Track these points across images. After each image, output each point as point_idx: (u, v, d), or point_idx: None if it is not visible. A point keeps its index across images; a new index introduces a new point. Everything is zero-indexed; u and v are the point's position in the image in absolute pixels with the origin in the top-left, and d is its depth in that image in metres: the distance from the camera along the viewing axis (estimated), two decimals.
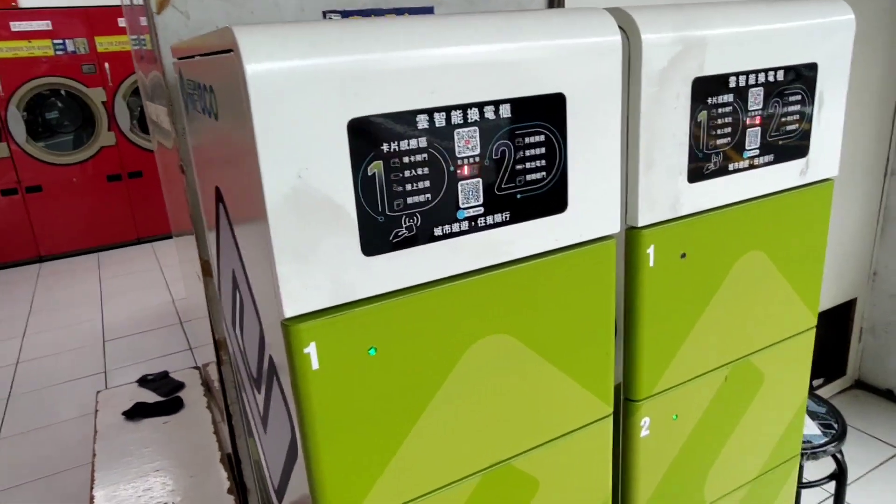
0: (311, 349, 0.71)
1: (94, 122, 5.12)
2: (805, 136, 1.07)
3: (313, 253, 0.69)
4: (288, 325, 0.71)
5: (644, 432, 1.05)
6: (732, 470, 1.21)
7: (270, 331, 0.80)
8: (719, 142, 0.97)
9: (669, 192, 0.94)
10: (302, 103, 0.65)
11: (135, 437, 1.95)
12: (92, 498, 1.70)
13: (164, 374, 2.29)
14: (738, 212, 1.03)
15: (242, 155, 0.70)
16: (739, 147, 0.99)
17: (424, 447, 0.82)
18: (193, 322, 3.04)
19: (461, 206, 0.77)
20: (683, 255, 0.99)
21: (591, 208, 0.87)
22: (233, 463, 1.68)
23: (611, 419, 1.00)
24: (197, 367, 2.42)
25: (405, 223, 0.74)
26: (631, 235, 0.95)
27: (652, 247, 0.95)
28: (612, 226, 0.90)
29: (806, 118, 1.06)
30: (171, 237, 4.48)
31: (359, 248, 0.72)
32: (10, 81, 4.75)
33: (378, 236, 0.72)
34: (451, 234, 0.77)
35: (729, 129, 0.97)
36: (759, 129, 1.00)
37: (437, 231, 0.76)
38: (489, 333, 0.83)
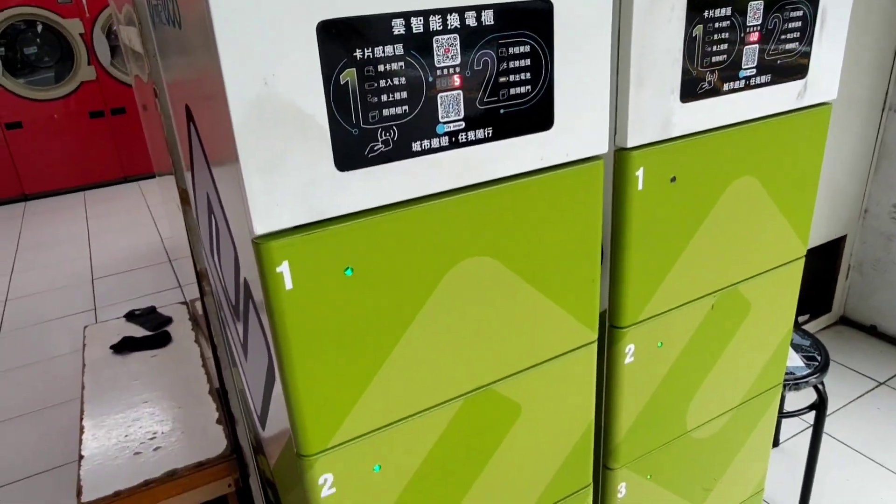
0: (284, 268, 0.69)
1: (73, 55, 4.95)
2: (804, 55, 1.02)
3: (283, 166, 0.66)
4: (259, 243, 0.68)
5: (628, 359, 1.04)
6: (715, 398, 1.22)
7: (244, 252, 0.78)
8: (714, 59, 0.92)
9: (661, 111, 0.90)
10: (266, 1, 0.60)
11: (123, 371, 1.95)
12: (82, 428, 1.71)
13: (152, 309, 2.28)
14: (731, 135, 1.00)
15: (206, 64, 0.65)
16: (736, 65, 0.95)
17: (403, 371, 0.81)
18: (181, 260, 3.01)
19: (441, 119, 0.73)
20: (673, 179, 0.96)
21: (579, 126, 0.83)
22: (221, 395, 1.69)
23: (595, 346, 0.99)
24: (185, 303, 2.41)
25: (381, 137, 0.70)
26: (619, 157, 0.91)
27: (641, 169, 0.92)
28: (600, 146, 0.87)
29: (806, 36, 1.01)
30: (155, 176, 4.41)
31: (332, 163, 0.68)
32: None
33: (352, 150, 0.69)
34: (431, 150, 0.73)
35: (725, 46, 0.92)
36: (756, 46, 0.95)
37: (416, 146, 0.72)
38: (471, 255, 0.81)
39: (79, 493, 1.48)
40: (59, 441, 2.32)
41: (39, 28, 4.83)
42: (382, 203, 0.73)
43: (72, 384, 2.60)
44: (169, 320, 2.22)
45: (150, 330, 2.15)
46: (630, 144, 0.90)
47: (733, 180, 1.03)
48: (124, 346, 2.05)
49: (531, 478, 1.01)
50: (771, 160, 1.07)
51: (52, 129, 5.00)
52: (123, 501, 1.47)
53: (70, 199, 5.08)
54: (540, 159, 0.82)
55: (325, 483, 0.80)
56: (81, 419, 1.74)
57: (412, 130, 0.71)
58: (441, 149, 0.74)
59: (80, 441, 1.65)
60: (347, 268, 0.73)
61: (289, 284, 0.70)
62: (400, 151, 0.71)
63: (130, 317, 2.24)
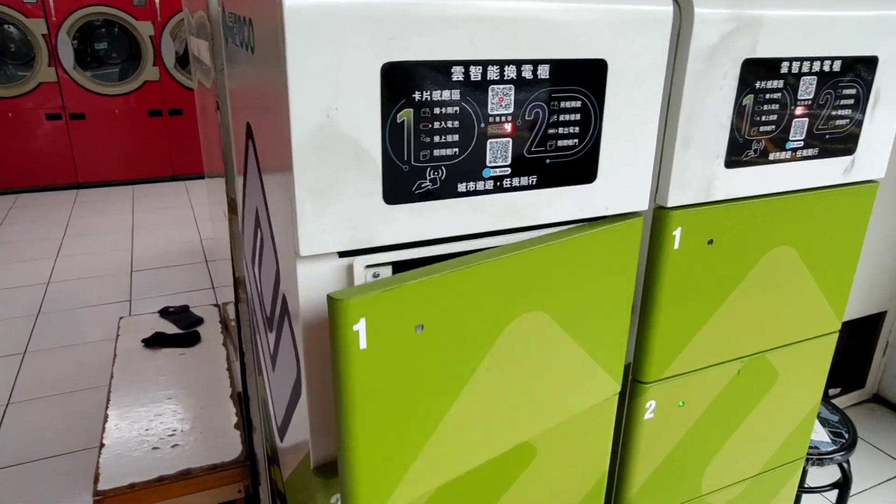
0: (361, 326, 0.66)
1: (140, 55, 5.17)
2: (854, 132, 1.03)
3: (334, 193, 0.69)
4: (337, 300, 0.64)
5: (648, 415, 1.04)
6: (733, 464, 1.20)
7: (285, 268, 0.81)
8: (763, 129, 0.93)
9: (704, 174, 0.92)
10: (337, 41, 0.64)
11: (152, 365, 2.00)
12: (106, 417, 1.76)
13: (185, 308, 2.34)
14: (773, 203, 1.00)
15: (274, 89, 0.70)
16: (783, 137, 0.96)
17: (456, 430, 0.79)
18: (218, 262, 3.09)
19: (488, 164, 0.76)
20: (711, 242, 0.97)
21: (621, 182, 0.85)
22: (241, 401, 1.72)
23: (616, 398, 1.00)
24: (217, 305, 2.47)
25: (430, 175, 0.73)
26: (659, 215, 0.93)
27: (679, 229, 0.93)
28: (641, 202, 0.88)
29: (858, 114, 1.02)
30: (203, 177, 4.55)
31: (381, 195, 0.71)
32: (62, 8, 4.80)
33: (401, 185, 0.72)
34: (475, 192, 0.76)
35: (774, 117, 0.94)
36: (806, 120, 0.96)
37: (462, 187, 0.75)
38: (526, 311, 0.80)
39: (96, 480, 1.52)
40: (81, 426, 2.38)
41: (116, 29, 5.06)
42: (424, 238, 0.75)
43: (100, 371, 2.67)
44: (200, 321, 2.27)
45: (182, 328, 2.21)
46: (670, 204, 0.91)
47: (771, 248, 1.04)
48: (155, 341, 2.11)
49: None
50: (811, 232, 1.07)
51: (112, 122, 5.20)
52: (137, 494, 1.51)
53: (119, 192, 5.26)
54: (580, 210, 0.84)
55: None
56: (107, 408, 1.79)
57: (460, 172, 0.74)
58: (485, 192, 0.77)
59: (103, 429, 1.70)
60: (419, 325, 0.71)
61: (363, 344, 0.67)
62: (446, 190, 0.74)
63: (164, 313, 2.31)
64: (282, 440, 1.10)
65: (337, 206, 0.70)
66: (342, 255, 0.74)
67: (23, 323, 3.17)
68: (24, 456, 2.25)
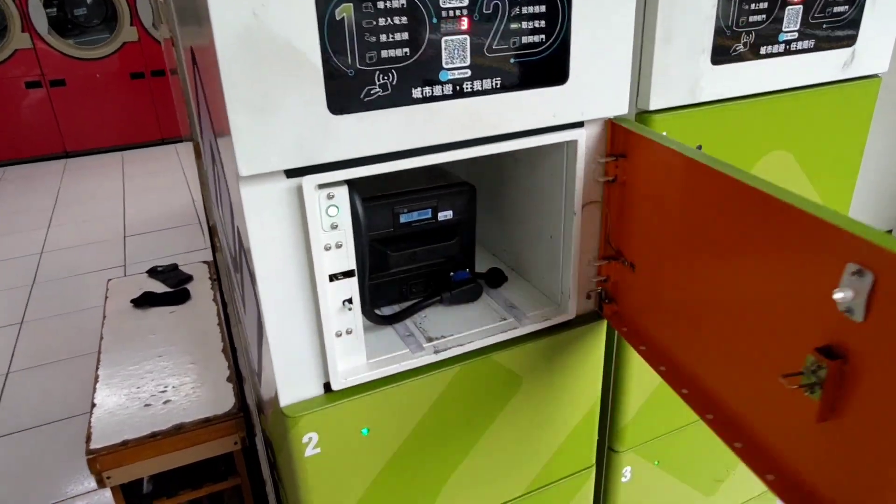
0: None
1: (116, 16, 5.00)
2: (854, 21, 0.94)
3: (272, 104, 0.62)
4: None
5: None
6: None
7: (235, 197, 0.75)
8: (752, 18, 0.85)
9: (689, 73, 0.84)
10: None
11: (141, 324, 1.97)
12: (97, 378, 1.73)
13: (174, 266, 2.30)
14: (766, 104, 0.92)
15: None
16: (775, 28, 0.87)
17: None
18: None
19: (445, 65, 0.68)
20: (699, 148, 0.89)
21: (596, 83, 0.78)
22: (232, 353, 1.69)
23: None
24: (207, 262, 2.42)
25: (379, 80, 0.66)
26: (641, 120, 0.85)
27: (664, 134, 0.85)
28: (620, 106, 0.81)
29: (858, 1, 0.93)
30: None
31: (325, 104, 0.64)
32: None
33: (347, 92, 0.65)
34: (432, 98, 0.69)
35: (765, 5, 0.85)
36: (800, 7, 0.88)
37: (416, 93, 0.68)
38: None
39: (88, 438, 1.50)
40: (81, 390, 2.37)
41: None
42: (377, 152, 0.69)
43: (97, 337, 2.64)
44: (190, 278, 2.23)
45: (171, 287, 2.16)
46: (653, 107, 0.84)
47: (765, 154, 0.96)
48: (144, 301, 2.07)
49: (528, 454, 0.97)
50: (809, 135, 0.99)
51: (95, 88, 5.07)
52: (130, 450, 1.49)
53: (109, 158, 5.17)
54: (552, 116, 0.77)
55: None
56: (97, 369, 1.76)
57: (413, 75, 0.67)
58: (444, 97, 0.69)
59: (94, 390, 1.67)
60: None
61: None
62: (399, 97, 0.67)
63: (153, 273, 2.26)
64: (261, 385, 1.06)
65: (277, 119, 0.63)
66: (290, 174, 0.67)
67: (18, 294, 3.14)
68: (26, 423, 2.24)
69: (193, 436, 1.54)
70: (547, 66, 0.73)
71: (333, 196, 0.71)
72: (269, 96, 0.62)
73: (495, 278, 0.97)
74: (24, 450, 2.13)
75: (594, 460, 1.06)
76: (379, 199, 0.85)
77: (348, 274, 0.76)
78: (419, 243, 0.91)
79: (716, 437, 1.11)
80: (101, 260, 3.45)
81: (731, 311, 0.67)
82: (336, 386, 0.78)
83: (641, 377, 1.03)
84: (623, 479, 1.11)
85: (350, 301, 0.77)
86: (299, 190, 0.68)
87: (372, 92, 0.66)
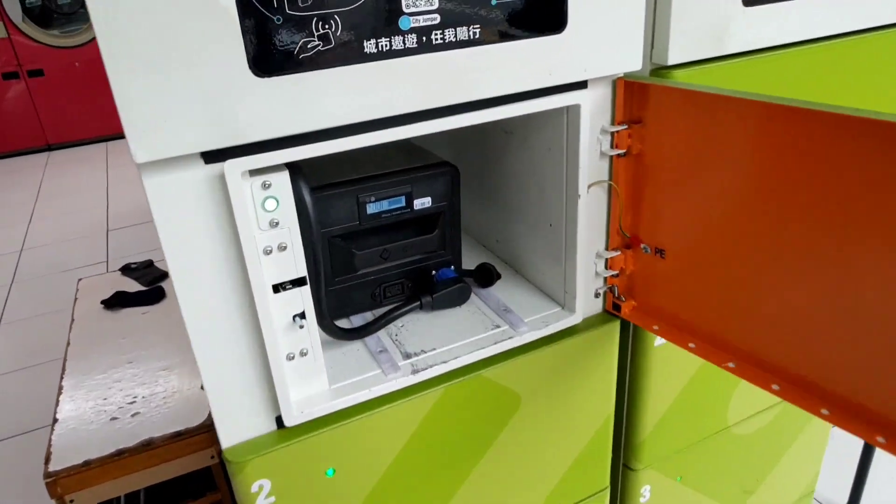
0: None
1: None
2: None
3: (173, 63, 0.46)
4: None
5: (659, 341, 0.84)
6: None
7: None
8: None
9: (715, 17, 0.68)
10: None
11: (111, 327, 1.82)
12: (60, 389, 1.60)
13: (149, 263, 2.15)
14: (812, 53, 0.76)
15: None
16: None
17: None
18: None
19: (406, 9, 0.52)
20: None
21: (602, 31, 0.61)
22: None
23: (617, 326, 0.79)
24: None
25: (318, 29, 0.50)
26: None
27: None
28: (631, 60, 0.65)
29: None
30: None
31: (245, 63, 0.48)
32: None
33: (275, 47, 0.49)
34: (391, 53, 0.53)
35: None
36: None
37: (370, 46, 0.52)
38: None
39: (47, 460, 1.36)
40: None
41: None
42: (323, 126, 0.53)
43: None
44: (165, 275, 2.08)
45: (145, 285, 2.01)
46: (672, 61, 0.68)
47: None
48: (115, 302, 1.92)
49: (532, 480, 0.83)
50: (867, 91, 0.83)
51: (74, 78, 4.89)
52: (94, 471, 1.35)
53: (93, 150, 5.01)
54: (548, 74, 0.61)
55: None
56: (62, 378, 1.62)
57: (364, 23, 0.51)
58: (406, 51, 0.53)
59: (57, 402, 1.53)
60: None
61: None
62: (346, 52, 0.51)
63: (126, 270, 2.11)
64: None
65: (181, 84, 0.47)
66: (208, 159, 0.52)
67: None
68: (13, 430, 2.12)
69: (164, 451, 1.40)
70: (539, 8, 0.57)
71: (270, 185, 0.55)
72: (167, 52, 0.46)
73: (486, 276, 0.81)
74: (12, 456, 2.00)
75: (608, 481, 0.92)
76: (338, 186, 0.69)
77: (298, 282, 0.60)
78: (391, 238, 0.75)
79: (746, 446, 0.96)
80: (83, 256, 3.31)
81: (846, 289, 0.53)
82: (290, 421, 0.63)
83: (661, 385, 0.88)
84: (642, 500, 0.96)
85: (302, 316, 0.62)
86: (222, 179, 0.52)
87: (309, 46, 0.50)
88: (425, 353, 0.71)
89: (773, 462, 1.12)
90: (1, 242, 3.51)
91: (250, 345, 0.60)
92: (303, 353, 0.63)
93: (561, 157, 0.70)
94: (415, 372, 0.68)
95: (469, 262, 0.86)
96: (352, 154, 0.78)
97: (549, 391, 0.78)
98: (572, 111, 0.66)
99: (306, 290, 0.61)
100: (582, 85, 0.65)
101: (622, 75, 0.67)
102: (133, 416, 1.47)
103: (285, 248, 0.58)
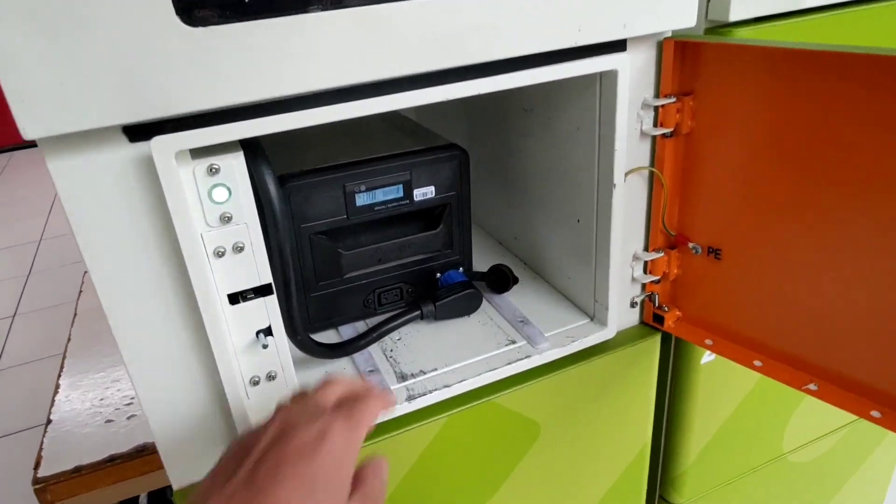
0: None
1: None
2: None
3: (72, 10, 0.34)
4: None
5: (705, 359, 0.71)
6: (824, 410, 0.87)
7: None
8: None
9: None
10: None
11: None
12: (57, 388, 1.52)
13: None
14: None
15: None
16: None
17: None
18: None
19: None
20: None
21: None
22: None
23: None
24: None
25: None
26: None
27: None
28: (684, 16, 0.52)
29: None
30: None
31: (171, 8, 0.36)
32: None
33: None
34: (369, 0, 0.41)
35: None
36: None
37: None
38: None
39: (37, 465, 1.28)
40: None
41: None
42: (282, 94, 0.41)
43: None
44: None
45: None
46: (734, 18, 0.54)
47: None
48: None
49: None
50: None
51: None
52: (85, 478, 1.27)
53: None
54: (577, 30, 0.48)
55: None
56: (59, 377, 1.54)
57: None
58: None
59: (52, 402, 1.46)
60: None
61: None
62: None
63: None
64: None
65: (84, 35, 0.35)
66: (133, 135, 0.40)
67: (14, 284, 2.98)
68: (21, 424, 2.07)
69: (158, 458, 1.32)
70: None
71: (218, 170, 0.43)
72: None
73: (501, 280, 0.69)
74: (22, 450, 1.95)
75: None
76: (320, 173, 0.57)
77: (261, 291, 0.49)
78: (387, 235, 0.63)
79: (803, 475, 0.82)
80: None
81: None
82: None
83: (707, 408, 0.75)
84: None
85: (268, 332, 0.50)
86: (149, 163, 0.40)
87: None
88: (424, 374, 0.58)
89: (833, 492, 0.98)
90: (21, 233, 3.49)
91: (204, 369, 0.49)
92: (270, 377, 0.51)
93: (592, 139, 0.57)
94: (410, 398, 0.56)
95: (482, 263, 0.73)
96: (337, 133, 0.66)
97: (574, 419, 0.65)
98: (607, 80, 0.53)
99: (273, 300, 0.49)
100: (620, 46, 0.51)
101: (670, 34, 0.53)
102: (129, 418, 1.38)
103: (242, 248, 0.46)
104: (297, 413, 0.37)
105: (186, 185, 0.43)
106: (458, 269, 0.68)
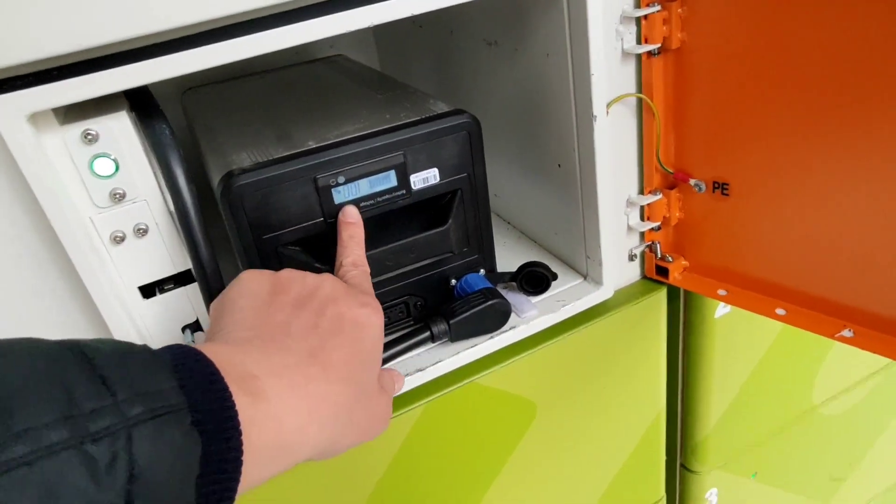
0: None
1: None
2: None
3: None
4: None
5: (722, 310, 0.63)
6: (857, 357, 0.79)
7: None
8: None
9: None
10: None
11: None
12: None
13: None
14: None
15: None
16: None
17: None
18: None
19: None
20: None
21: None
22: None
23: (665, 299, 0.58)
24: None
25: None
26: None
27: None
28: None
29: None
30: None
31: None
32: None
33: None
34: None
35: None
36: None
37: None
38: None
39: None
40: None
41: None
42: (149, 30, 0.32)
43: None
44: None
45: None
46: None
47: None
48: None
49: (572, 495, 0.63)
50: None
51: None
52: None
53: None
54: None
55: None
56: None
57: None
58: None
59: None
60: None
61: None
62: None
63: None
64: None
65: None
66: None
67: None
68: None
69: None
70: None
71: (96, 137, 0.35)
72: None
73: (535, 281, 0.55)
74: None
75: (664, 489, 0.72)
76: (280, 164, 0.44)
77: (180, 279, 0.41)
78: (380, 239, 0.50)
79: (835, 429, 0.75)
80: None
81: None
82: None
83: (726, 366, 0.67)
84: None
85: (196, 326, 0.42)
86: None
87: None
88: (394, 357, 0.51)
89: (869, 443, 0.90)
90: None
91: None
92: None
93: (564, 65, 0.48)
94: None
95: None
96: (296, 109, 0.56)
97: (575, 393, 0.58)
98: None
99: (195, 290, 0.41)
100: None
101: None
102: None
103: (145, 230, 0.38)
104: (338, 283, 0.36)
105: (58, 159, 0.34)
106: (479, 271, 0.55)
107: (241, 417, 0.24)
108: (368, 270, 0.41)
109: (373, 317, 0.35)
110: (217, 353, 0.26)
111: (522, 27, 0.52)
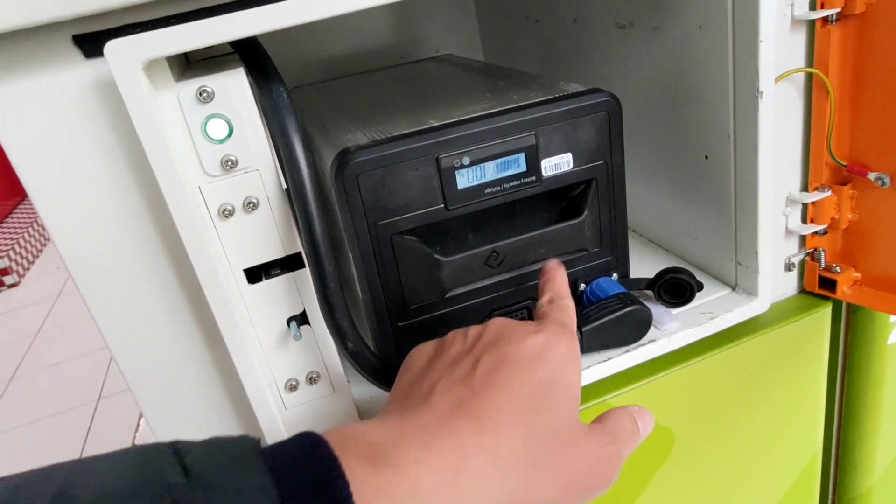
0: None
1: None
2: None
3: None
4: None
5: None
6: None
7: None
8: None
9: None
10: None
11: None
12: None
13: None
14: None
15: None
16: None
17: None
18: None
19: None
20: None
21: None
22: None
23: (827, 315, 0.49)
24: None
25: None
26: None
27: None
28: None
29: None
30: None
31: None
32: None
33: None
34: None
35: None
36: None
37: None
38: None
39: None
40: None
41: None
42: None
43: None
44: None
45: None
46: None
47: None
48: None
49: None
50: None
51: None
52: None
53: None
54: None
55: None
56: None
57: None
58: None
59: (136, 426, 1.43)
60: None
61: None
62: None
63: None
64: None
65: None
66: (87, 47, 0.29)
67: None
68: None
69: None
70: None
71: (212, 94, 0.32)
72: None
73: (677, 290, 0.48)
74: None
75: None
76: (400, 141, 0.39)
77: (289, 263, 0.37)
78: (505, 231, 0.44)
79: None
80: None
81: None
82: None
83: None
84: None
85: (302, 319, 0.38)
86: (111, 86, 0.29)
87: None
88: None
89: None
90: None
91: (219, 373, 0.37)
92: (311, 380, 0.39)
93: (723, 35, 0.42)
94: None
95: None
96: (413, 92, 0.53)
97: (717, 422, 0.49)
98: None
99: (305, 275, 0.37)
100: None
101: None
102: None
103: (256, 205, 0.34)
104: (506, 323, 0.32)
105: (172, 120, 0.31)
106: (611, 275, 0.47)
107: (362, 487, 0.23)
108: (569, 304, 0.35)
109: (553, 344, 0.30)
110: (341, 434, 0.25)
111: (667, 6, 0.46)
